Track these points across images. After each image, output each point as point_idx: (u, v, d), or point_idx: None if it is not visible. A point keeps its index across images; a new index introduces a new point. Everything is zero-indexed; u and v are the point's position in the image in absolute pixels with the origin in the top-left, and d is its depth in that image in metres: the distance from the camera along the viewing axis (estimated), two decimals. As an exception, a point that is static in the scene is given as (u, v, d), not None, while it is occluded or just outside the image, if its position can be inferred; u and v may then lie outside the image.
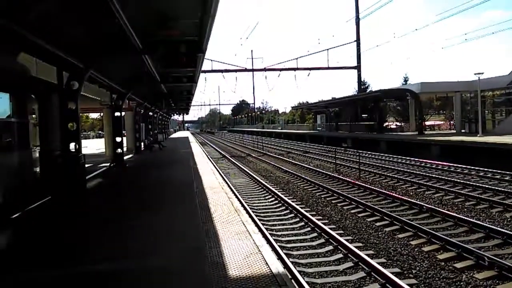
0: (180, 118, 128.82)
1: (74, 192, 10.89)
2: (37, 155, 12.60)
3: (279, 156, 28.59)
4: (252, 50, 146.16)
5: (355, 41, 47.39)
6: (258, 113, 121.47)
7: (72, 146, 11.10)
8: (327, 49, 45.58)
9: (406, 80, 66.04)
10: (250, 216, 9.63)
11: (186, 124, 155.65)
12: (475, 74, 25.03)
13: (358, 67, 48.19)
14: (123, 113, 20.94)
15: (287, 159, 26.19)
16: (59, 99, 11.07)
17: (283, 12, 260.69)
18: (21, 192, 10.72)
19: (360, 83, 51.22)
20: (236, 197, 12.00)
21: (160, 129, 49.39)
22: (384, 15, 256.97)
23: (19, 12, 7.07)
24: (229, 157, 29.15)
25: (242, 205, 10.99)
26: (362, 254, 7.44)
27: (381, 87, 58.86)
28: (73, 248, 6.50)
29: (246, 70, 48.77)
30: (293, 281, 5.60)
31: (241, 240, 6.40)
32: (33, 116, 12.92)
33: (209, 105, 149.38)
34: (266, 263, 5.29)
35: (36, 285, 5.05)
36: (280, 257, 7.11)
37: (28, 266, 5.71)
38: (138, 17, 8.77)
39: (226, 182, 15.19)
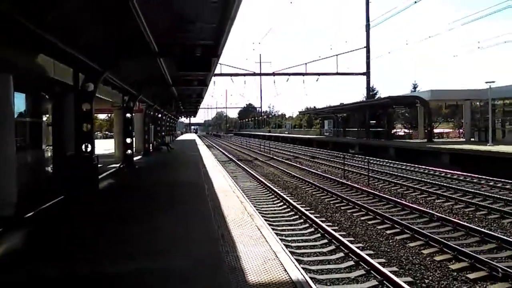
0: (186, 120, 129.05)
1: (86, 192, 11.02)
2: (50, 154, 12.74)
3: (286, 161, 28.58)
4: (260, 55, 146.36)
5: (365, 47, 47.30)
6: (265, 117, 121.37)
7: (85, 146, 11.25)
8: (337, 55, 45.68)
9: (415, 87, 66.11)
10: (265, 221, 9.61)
11: (193, 127, 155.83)
12: (486, 82, 25.08)
13: (367, 74, 48.05)
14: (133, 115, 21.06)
15: (295, 164, 26.18)
16: (74, 100, 11.21)
17: (295, 17, 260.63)
18: (34, 191, 10.82)
19: (369, 89, 51.09)
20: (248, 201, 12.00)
21: (168, 131, 49.55)
22: (397, 22, 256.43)
23: (39, 13, 7.18)
24: (236, 161, 29.15)
25: (255, 210, 10.99)
26: (374, 262, 7.43)
27: (390, 94, 58.63)
28: (85, 248, 6.53)
29: (254, 74, 48.94)
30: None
31: (257, 246, 6.41)
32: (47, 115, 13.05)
33: (216, 108, 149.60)
34: (285, 270, 5.31)
35: (46, 283, 5.11)
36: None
37: (39, 264, 5.73)
38: (156, 20, 8.86)
39: (237, 186, 15.19)
